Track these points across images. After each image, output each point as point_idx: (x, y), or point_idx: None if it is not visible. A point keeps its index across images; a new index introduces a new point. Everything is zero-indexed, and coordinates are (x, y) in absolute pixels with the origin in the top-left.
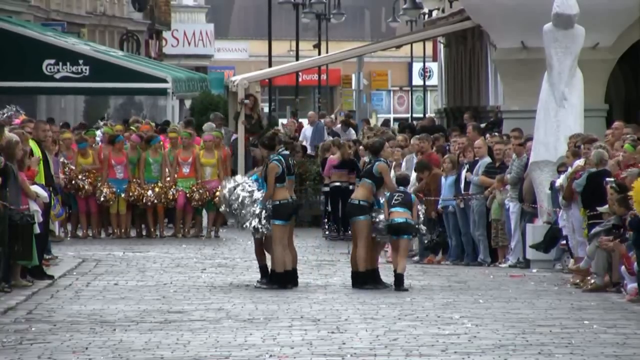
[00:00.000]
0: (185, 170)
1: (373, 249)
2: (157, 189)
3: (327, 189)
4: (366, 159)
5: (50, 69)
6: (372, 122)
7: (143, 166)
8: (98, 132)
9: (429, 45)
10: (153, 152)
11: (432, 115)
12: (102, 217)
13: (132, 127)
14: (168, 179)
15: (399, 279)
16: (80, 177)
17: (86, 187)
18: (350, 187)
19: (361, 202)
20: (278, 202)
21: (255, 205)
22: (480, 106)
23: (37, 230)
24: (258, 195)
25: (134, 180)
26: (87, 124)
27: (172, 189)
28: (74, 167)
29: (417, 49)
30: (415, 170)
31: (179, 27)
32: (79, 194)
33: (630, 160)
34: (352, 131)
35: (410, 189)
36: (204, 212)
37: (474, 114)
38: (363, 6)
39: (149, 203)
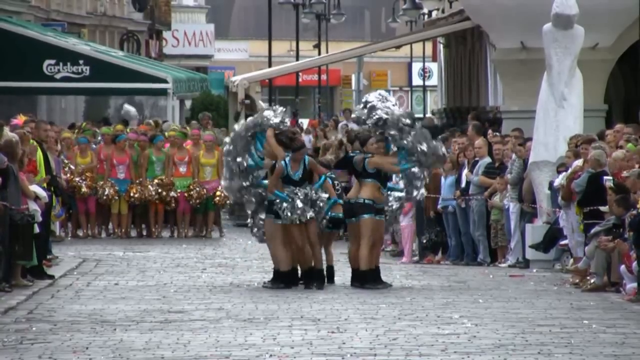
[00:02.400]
0: (182, 169)
1: (374, 248)
2: (159, 187)
3: None
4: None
5: (50, 69)
6: None
7: (146, 164)
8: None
9: (429, 46)
10: (156, 150)
11: (432, 115)
12: (103, 217)
13: (127, 130)
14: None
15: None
16: (77, 179)
17: (83, 189)
18: None
19: (366, 201)
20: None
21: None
22: (480, 106)
23: (36, 230)
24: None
25: (136, 181)
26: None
27: (171, 192)
28: (73, 167)
29: (417, 49)
30: None
31: (179, 27)
32: (77, 195)
33: (631, 160)
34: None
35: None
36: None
37: (477, 115)
38: (363, 6)
39: (151, 197)
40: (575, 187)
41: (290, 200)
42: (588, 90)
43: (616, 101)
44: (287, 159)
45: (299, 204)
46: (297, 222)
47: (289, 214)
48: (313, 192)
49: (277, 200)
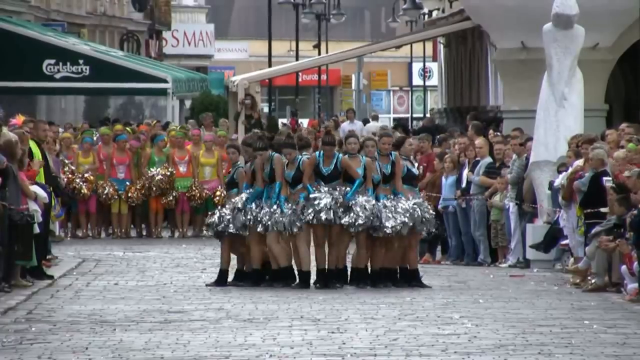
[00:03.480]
0: (183, 169)
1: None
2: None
3: None
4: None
5: (50, 69)
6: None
7: (146, 163)
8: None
9: (429, 45)
10: (158, 150)
11: (430, 114)
12: (103, 217)
13: (127, 129)
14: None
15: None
16: (78, 180)
17: (84, 191)
18: None
19: None
20: None
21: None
22: (480, 106)
23: (36, 230)
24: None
25: (137, 181)
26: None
27: (172, 192)
28: (74, 168)
29: (417, 49)
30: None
31: (179, 27)
32: (78, 197)
33: (632, 160)
34: (359, 123)
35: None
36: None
37: (476, 115)
38: (363, 6)
39: (160, 184)
40: (580, 185)
41: (320, 200)
42: (588, 90)
43: (617, 101)
44: (322, 152)
45: (327, 204)
46: (327, 222)
47: (319, 215)
48: (342, 196)
49: (306, 199)
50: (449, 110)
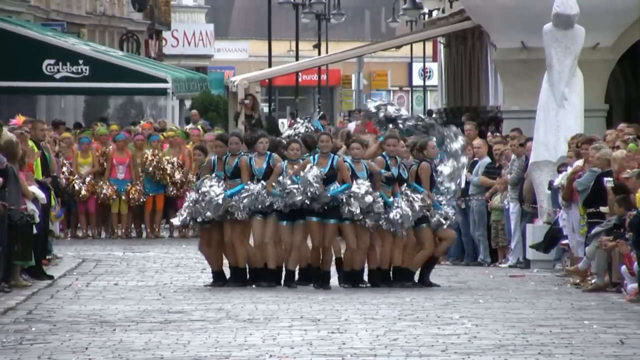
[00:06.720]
0: None
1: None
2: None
3: None
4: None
5: (50, 69)
6: None
7: (142, 164)
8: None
9: (429, 45)
10: (153, 150)
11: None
12: (103, 217)
13: (132, 127)
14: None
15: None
16: (78, 181)
17: (83, 192)
18: None
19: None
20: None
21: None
22: (480, 106)
23: (34, 230)
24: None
25: (136, 181)
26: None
27: (172, 189)
28: (73, 169)
29: (417, 49)
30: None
31: (179, 27)
32: (76, 198)
33: (632, 160)
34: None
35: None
36: None
37: (472, 116)
38: (363, 6)
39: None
40: (577, 185)
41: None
42: (589, 90)
43: (617, 101)
44: (317, 155)
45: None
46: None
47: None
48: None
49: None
50: (449, 111)
